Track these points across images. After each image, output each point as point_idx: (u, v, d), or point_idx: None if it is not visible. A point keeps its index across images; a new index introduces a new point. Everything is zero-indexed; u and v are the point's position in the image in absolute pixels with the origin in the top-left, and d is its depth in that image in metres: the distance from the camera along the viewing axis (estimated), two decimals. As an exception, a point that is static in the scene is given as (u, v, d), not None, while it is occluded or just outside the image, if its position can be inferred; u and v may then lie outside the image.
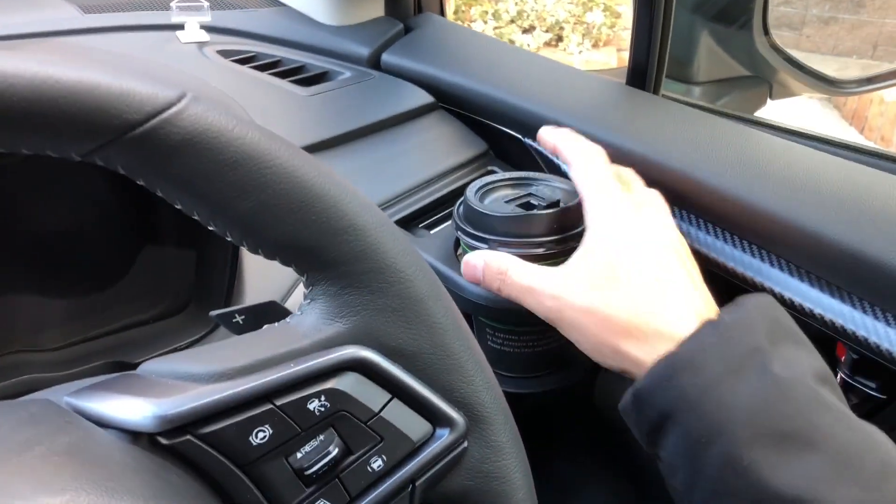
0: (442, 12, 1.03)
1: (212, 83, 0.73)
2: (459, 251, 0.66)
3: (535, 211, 0.57)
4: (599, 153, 0.56)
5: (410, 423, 0.38)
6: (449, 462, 0.39)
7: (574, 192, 0.59)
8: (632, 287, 0.47)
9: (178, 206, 0.34)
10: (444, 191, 0.73)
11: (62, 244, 0.60)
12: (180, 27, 0.86)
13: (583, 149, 0.56)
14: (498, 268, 0.53)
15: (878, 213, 0.56)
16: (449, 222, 0.71)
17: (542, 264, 0.53)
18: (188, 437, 0.33)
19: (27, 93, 0.28)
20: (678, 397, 0.42)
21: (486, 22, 4.14)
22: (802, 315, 0.58)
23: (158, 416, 0.32)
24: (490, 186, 0.61)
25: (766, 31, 0.98)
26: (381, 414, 0.37)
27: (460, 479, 0.40)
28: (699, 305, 0.47)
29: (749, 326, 0.43)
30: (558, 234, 0.56)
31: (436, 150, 0.78)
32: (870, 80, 1.02)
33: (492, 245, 0.56)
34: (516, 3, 4.19)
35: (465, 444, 0.39)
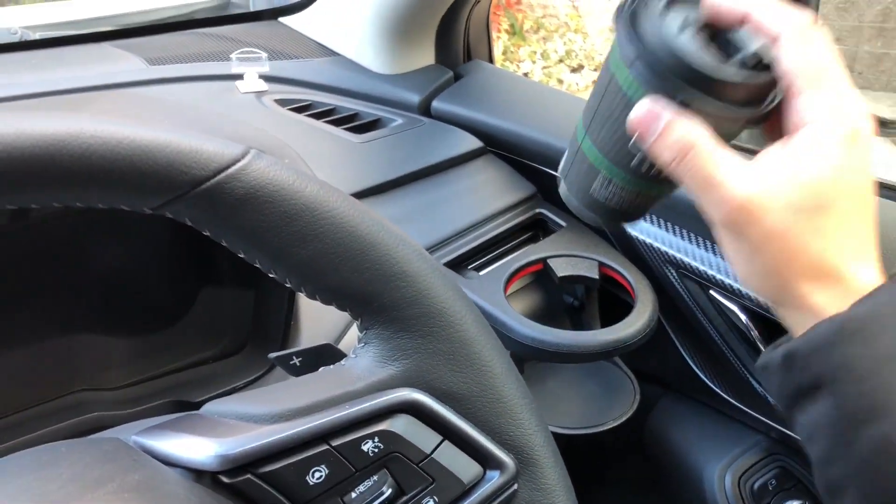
0: (490, 59, 1.05)
1: (269, 131, 0.76)
2: (509, 293, 0.66)
3: (749, 73, 0.39)
4: (808, 26, 0.40)
5: (461, 465, 0.39)
6: None
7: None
8: (836, 223, 0.38)
9: (241, 255, 0.36)
10: (493, 233, 0.75)
11: (125, 287, 0.63)
12: (240, 77, 0.89)
13: (788, 20, 0.39)
14: (684, 138, 0.39)
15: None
16: (498, 264, 0.72)
17: (722, 132, 0.41)
18: (249, 475, 0.34)
19: (105, 152, 0.31)
20: (841, 367, 0.36)
21: (534, 62, 4.17)
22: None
23: (221, 456, 0.34)
24: None
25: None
26: (433, 456, 0.38)
27: None
28: (877, 263, 0.40)
29: None
30: (764, 102, 0.41)
31: (485, 193, 0.80)
32: (920, 121, 1.01)
33: (680, 98, 0.39)
34: (565, 43, 4.21)
35: (516, 486, 0.40)
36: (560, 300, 0.79)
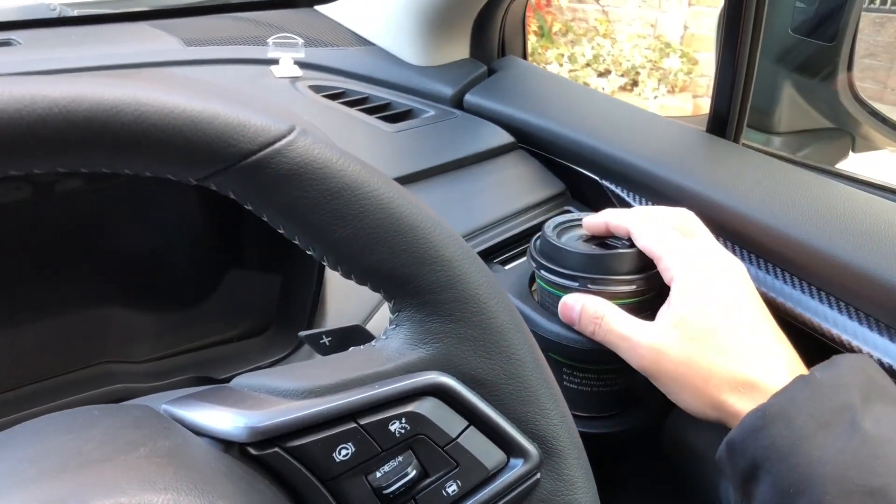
0: (525, 56, 1.05)
1: (303, 116, 0.77)
2: (534, 287, 0.67)
3: (625, 249, 0.58)
4: (648, 211, 0.58)
5: (486, 452, 0.39)
6: (521, 493, 0.40)
7: None
8: (729, 339, 0.48)
9: (281, 231, 0.36)
10: (520, 228, 0.75)
11: (153, 263, 0.64)
12: (275, 62, 0.90)
13: (633, 214, 0.57)
14: (595, 312, 0.54)
15: None
16: (524, 259, 0.72)
17: (630, 301, 0.56)
18: (276, 449, 0.34)
19: (157, 120, 0.31)
20: (769, 447, 0.43)
21: (561, 65, 4.17)
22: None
23: (250, 428, 0.34)
24: (566, 225, 0.63)
25: (851, 85, 0.97)
26: (458, 440, 0.38)
27: None
28: (788, 359, 0.48)
29: (841, 384, 0.44)
30: (647, 270, 0.57)
31: (514, 188, 0.80)
32: (957, 138, 1.00)
33: (581, 284, 0.57)
34: (593, 48, 4.20)
35: (538, 475, 0.40)
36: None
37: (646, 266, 0.57)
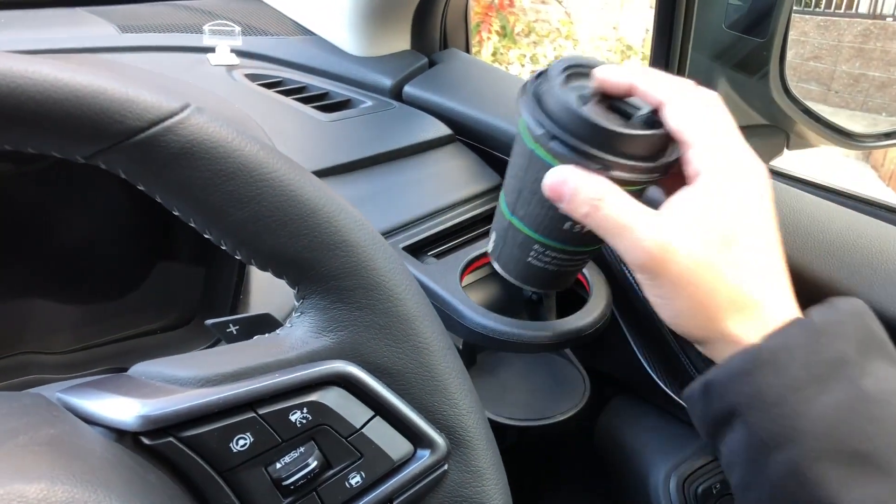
0: (467, 49, 1.05)
1: (236, 105, 0.75)
2: (464, 284, 0.66)
3: (657, 130, 0.43)
4: (684, 86, 0.45)
5: (391, 442, 0.38)
6: (428, 484, 0.39)
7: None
8: (746, 254, 0.41)
9: (176, 213, 0.35)
10: (455, 220, 0.74)
11: (79, 255, 0.62)
12: (211, 50, 0.88)
13: (668, 85, 0.44)
14: (594, 193, 0.42)
15: (882, 264, 0.56)
16: (457, 253, 0.71)
17: (632, 189, 0.44)
18: (170, 438, 0.33)
19: (35, 93, 0.30)
20: (753, 395, 0.39)
21: (523, 65, 4.18)
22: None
23: (142, 417, 0.33)
24: (576, 70, 0.46)
25: (784, 82, 0.98)
26: (363, 430, 0.37)
27: (438, 502, 0.40)
28: (789, 290, 0.43)
29: (840, 332, 0.39)
30: (665, 157, 0.44)
31: (450, 181, 0.79)
32: (888, 136, 1.02)
33: (593, 159, 0.42)
34: (555, 49, 4.22)
35: (446, 466, 0.40)
36: (519, 293, 0.79)
37: (660, 152, 0.44)
